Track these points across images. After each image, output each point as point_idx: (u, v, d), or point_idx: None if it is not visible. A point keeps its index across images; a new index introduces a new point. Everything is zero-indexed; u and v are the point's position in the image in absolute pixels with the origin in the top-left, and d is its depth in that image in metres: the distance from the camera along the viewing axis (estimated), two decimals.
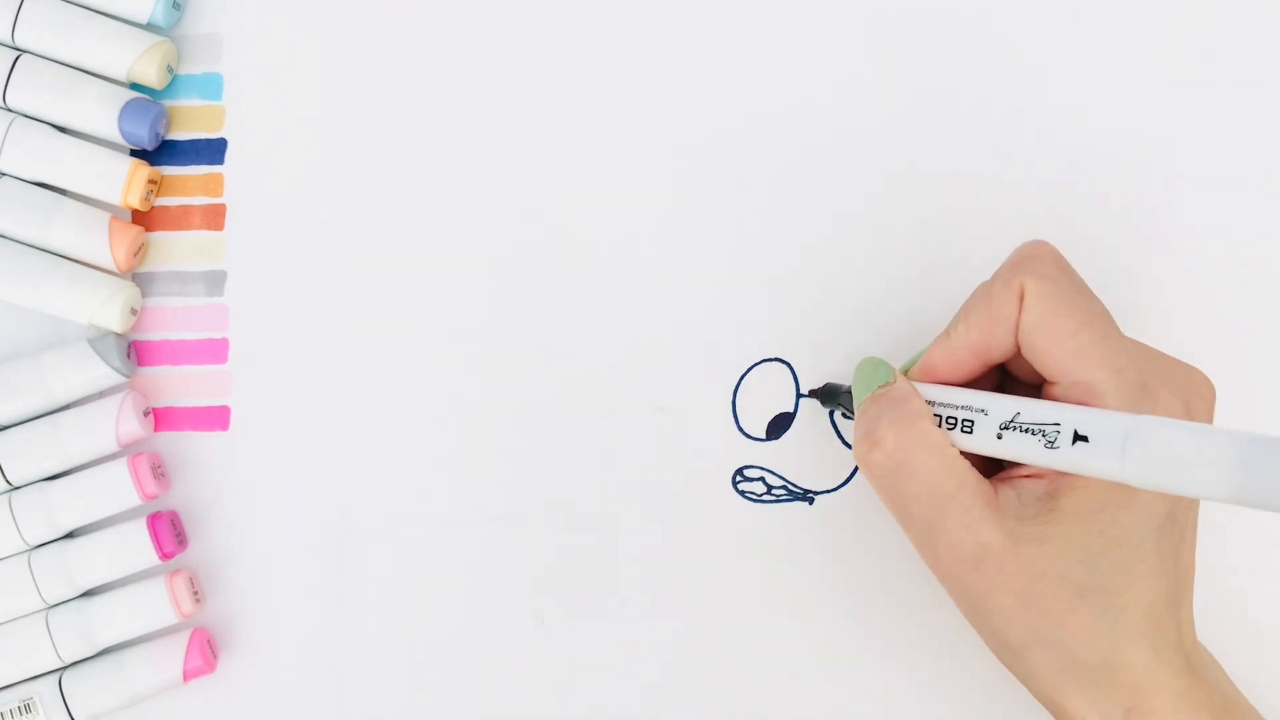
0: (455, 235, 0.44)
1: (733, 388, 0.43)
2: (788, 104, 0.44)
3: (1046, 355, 0.35)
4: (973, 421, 0.35)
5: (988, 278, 0.37)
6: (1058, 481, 0.35)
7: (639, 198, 0.44)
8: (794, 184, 0.44)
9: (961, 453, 0.36)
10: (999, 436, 0.35)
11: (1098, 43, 0.44)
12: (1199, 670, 0.35)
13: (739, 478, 0.43)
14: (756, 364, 0.43)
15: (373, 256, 0.44)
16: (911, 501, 0.36)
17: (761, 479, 0.43)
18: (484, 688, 0.43)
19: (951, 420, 0.36)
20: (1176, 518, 0.35)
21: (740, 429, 0.43)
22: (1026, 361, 0.36)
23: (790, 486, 0.43)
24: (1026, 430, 0.34)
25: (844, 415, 0.42)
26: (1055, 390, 0.35)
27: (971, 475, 0.35)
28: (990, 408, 0.35)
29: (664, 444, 0.43)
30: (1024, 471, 0.36)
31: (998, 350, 0.36)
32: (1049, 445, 0.33)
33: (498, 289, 0.44)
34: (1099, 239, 0.43)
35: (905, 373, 0.38)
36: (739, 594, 0.43)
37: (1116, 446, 0.31)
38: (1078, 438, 0.32)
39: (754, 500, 0.43)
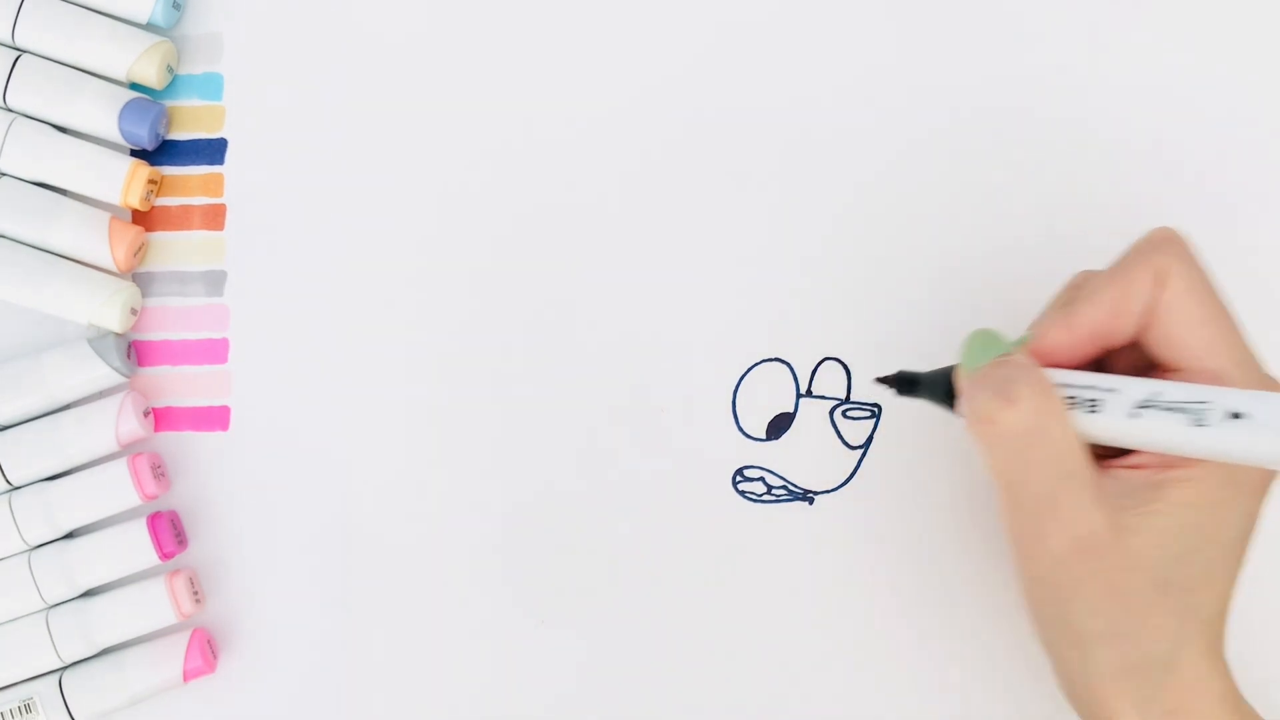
0: (455, 235, 0.44)
1: (733, 388, 0.43)
2: (788, 101, 0.44)
3: (1178, 339, 0.35)
4: (1098, 401, 0.34)
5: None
6: (1163, 474, 0.34)
7: (640, 198, 0.44)
8: (795, 183, 0.44)
9: None
10: (1134, 415, 0.33)
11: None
12: (1230, 674, 0.35)
13: (739, 478, 0.43)
14: (756, 364, 0.43)
15: (373, 256, 0.44)
16: (1033, 470, 0.34)
17: (761, 479, 0.43)
18: (484, 687, 0.43)
19: (1072, 399, 0.34)
20: (1256, 526, 0.35)
21: (740, 429, 0.43)
22: (1128, 356, 0.36)
23: (790, 486, 0.43)
24: (1169, 408, 0.33)
25: (927, 400, 0.39)
26: (1175, 379, 0.35)
27: (1089, 457, 0.34)
28: (1121, 387, 0.34)
29: (664, 444, 0.43)
30: (1125, 462, 0.35)
31: (1119, 334, 0.35)
32: (1196, 423, 0.32)
33: (498, 289, 0.44)
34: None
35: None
36: (739, 594, 0.43)
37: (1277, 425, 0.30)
38: (1232, 415, 0.31)
39: (754, 500, 0.43)
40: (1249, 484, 0.34)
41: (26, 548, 0.42)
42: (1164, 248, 0.35)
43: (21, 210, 0.43)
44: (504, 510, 0.43)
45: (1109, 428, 0.34)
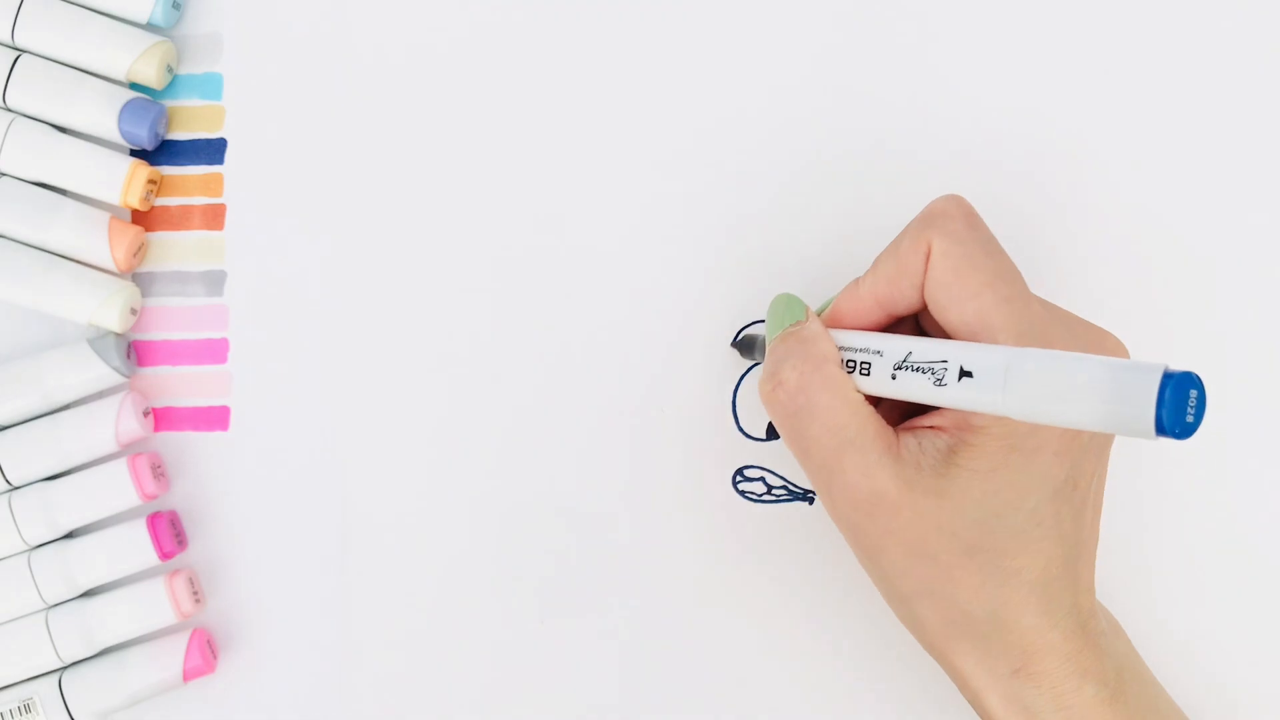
0: (455, 235, 0.44)
1: (733, 388, 0.43)
2: (787, 104, 0.44)
3: (949, 314, 0.35)
4: (870, 363, 0.36)
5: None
6: (957, 437, 0.35)
7: (641, 198, 0.44)
8: (795, 184, 0.44)
9: (868, 399, 0.36)
10: (893, 377, 0.35)
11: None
12: (1093, 635, 0.35)
13: (739, 478, 0.43)
14: (757, 364, 0.43)
15: (372, 256, 0.44)
16: (811, 443, 0.36)
17: (761, 479, 0.43)
18: (484, 688, 0.43)
19: (851, 363, 0.36)
20: (1077, 484, 0.35)
21: (740, 429, 0.43)
22: (933, 324, 0.37)
23: (790, 486, 0.43)
24: (918, 369, 0.34)
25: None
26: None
27: (873, 421, 0.35)
28: (885, 349, 0.35)
29: (664, 444, 0.43)
30: (927, 423, 0.36)
31: (903, 304, 0.36)
32: (938, 383, 0.33)
33: (497, 289, 0.44)
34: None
35: (819, 315, 0.38)
36: (739, 594, 0.43)
37: (998, 379, 0.32)
38: (963, 373, 0.33)
39: (754, 500, 0.43)
40: (1032, 447, 0.34)
41: (26, 548, 0.42)
42: (933, 222, 0.36)
43: (21, 210, 0.43)
44: (504, 510, 0.43)
45: (880, 389, 0.35)
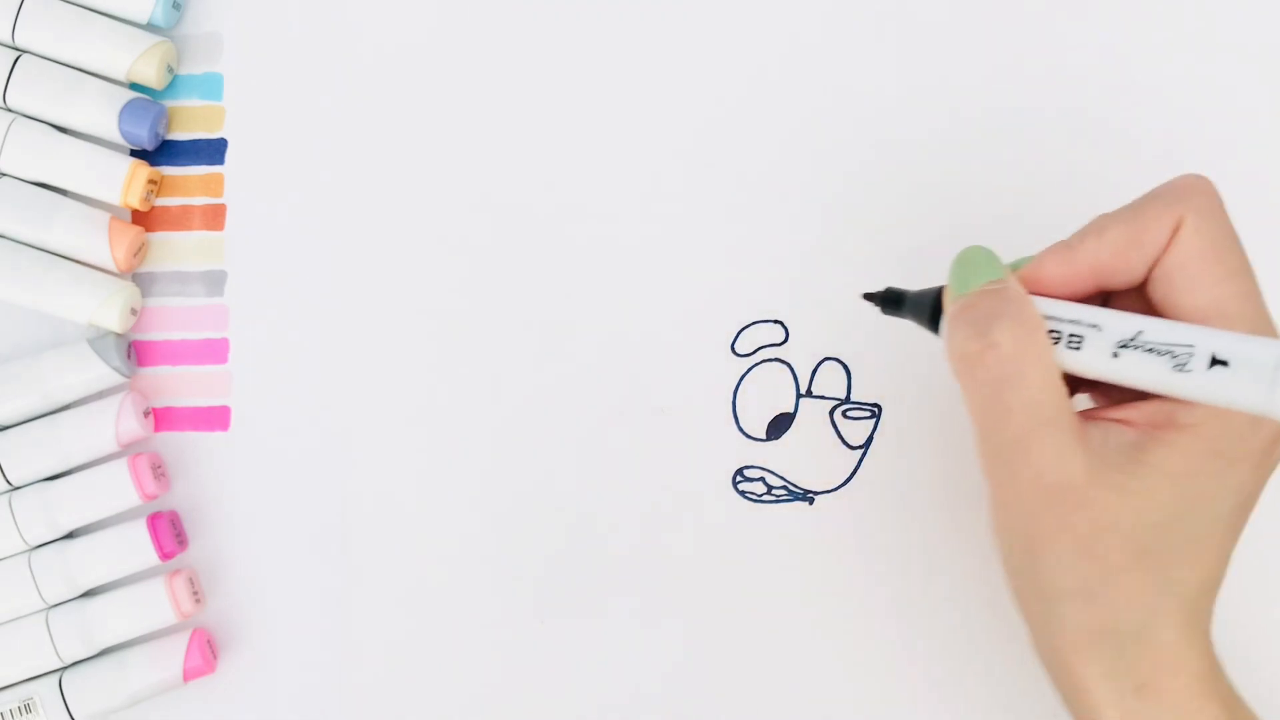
0: (454, 235, 0.44)
1: (733, 388, 0.43)
2: (788, 104, 0.44)
3: (1185, 296, 0.33)
4: (1081, 337, 0.32)
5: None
6: (1149, 434, 0.32)
7: (641, 198, 0.44)
8: (796, 184, 0.44)
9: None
10: (1115, 355, 0.32)
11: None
12: (1215, 658, 0.34)
13: (739, 478, 0.43)
14: (757, 364, 0.43)
15: (373, 256, 0.44)
16: (1008, 414, 0.32)
17: (761, 479, 0.43)
18: (484, 688, 0.43)
19: (1056, 334, 0.33)
20: (1252, 503, 0.33)
21: (740, 429, 0.43)
22: (1130, 301, 0.34)
23: (790, 486, 0.43)
24: (1151, 350, 0.31)
25: (911, 321, 0.37)
26: None
27: (1069, 402, 0.33)
28: (1105, 323, 0.32)
29: (664, 444, 0.43)
30: (1115, 415, 0.33)
31: (1122, 276, 0.33)
32: (1179, 368, 0.31)
33: (498, 290, 0.44)
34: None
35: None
36: (739, 594, 0.43)
37: (1265, 373, 0.29)
38: (1215, 361, 0.30)
39: (754, 500, 0.43)
40: (1239, 455, 0.32)
41: (26, 548, 0.42)
42: (1187, 195, 0.33)
43: (21, 210, 0.43)
44: (503, 510, 0.43)
45: (1092, 366, 0.32)
